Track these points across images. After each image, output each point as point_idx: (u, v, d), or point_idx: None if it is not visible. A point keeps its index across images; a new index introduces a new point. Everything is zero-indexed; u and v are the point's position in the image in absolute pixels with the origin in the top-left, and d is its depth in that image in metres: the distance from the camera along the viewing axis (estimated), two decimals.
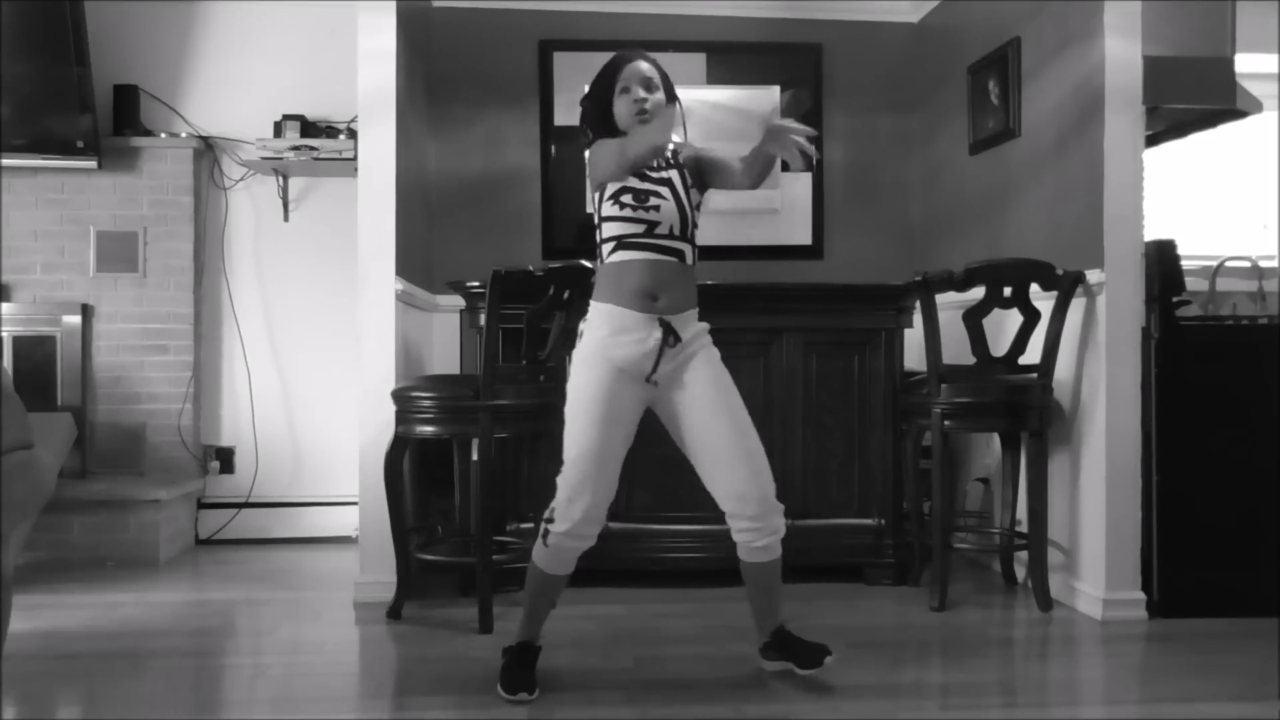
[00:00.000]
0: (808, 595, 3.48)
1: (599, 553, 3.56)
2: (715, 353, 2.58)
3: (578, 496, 2.46)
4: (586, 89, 2.62)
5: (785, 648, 2.66)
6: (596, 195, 2.55)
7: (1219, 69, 3.42)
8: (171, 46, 4.54)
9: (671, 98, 2.56)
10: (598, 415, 2.44)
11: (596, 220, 2.56)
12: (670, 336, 2.47)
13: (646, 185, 2.50)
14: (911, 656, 2.97)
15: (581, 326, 2.54)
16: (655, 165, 2.54)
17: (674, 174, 2.56)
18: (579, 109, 2.65)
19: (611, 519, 3.53)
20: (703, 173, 2.62)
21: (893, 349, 3.71)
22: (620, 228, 2.50)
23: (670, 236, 2.50)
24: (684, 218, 2.52)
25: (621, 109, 2.53)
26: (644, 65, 2.54)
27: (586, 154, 2.60)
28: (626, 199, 2.48)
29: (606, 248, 2.53)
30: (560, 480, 2.48)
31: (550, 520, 2.50)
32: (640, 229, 2.48)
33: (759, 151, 2.40)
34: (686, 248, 2.53)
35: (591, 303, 2.54)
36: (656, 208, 2.48)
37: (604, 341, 2.47)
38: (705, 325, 2.59)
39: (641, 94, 2.51)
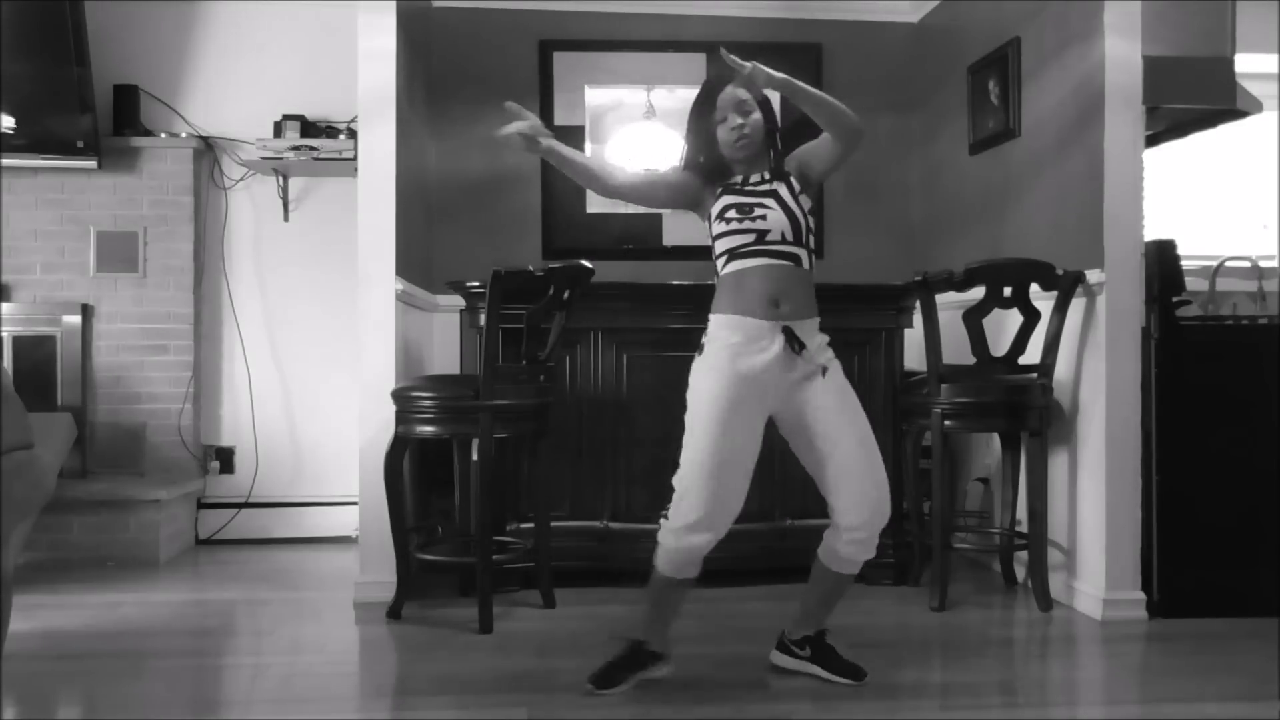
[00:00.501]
0: None
1: (599, 552, 3.56)
2: (839, 366, 2.56)
3: (690, 499, 2.43)
4: (689, 121, 2.60)
5: (821, 653, 2.66)
6: (707, 222, 2.58)
7: (1219, 69, 3.42)
8: (171, 46, 4.54)
9: (769, 114, 2.56)
10: (718, 422, 2.42)
11: (711, 243, 2.57)
12: (795, 344, 2.46)
13: (750, 200, 2.51)
14: (911, 656, 2.97)
15: (703, 340, 2.52)
16: (756, 180, 2.55)
17: (780, 185, 2.55)
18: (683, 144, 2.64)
19: (611, 519, 3.57)
20: (805, 170, 2.60)
21: (893, 349, 3.72)
22: (731, 240, 2.50)
23: (783, 242, 2.49)
24: (795, 224, 2.50)
25: (723, 137, 2.53)
26: (735, 90, 2.52)
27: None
28: (731, 214, 2.50)
29: (720, 262, 2.52)
30: (675, 481, 2.47)
31: (665, 516, 2.49)
32: (750, 238, 2.48)
33: (805, 106, 2.47)
34: (802, 253, 2.51)
35: (711, 316, 2.53)
36: (763, 217, 2.48)
37: (728, 350, 2.45)
38: (826, 337, 2.56)
39: (738, 120, 2.51)
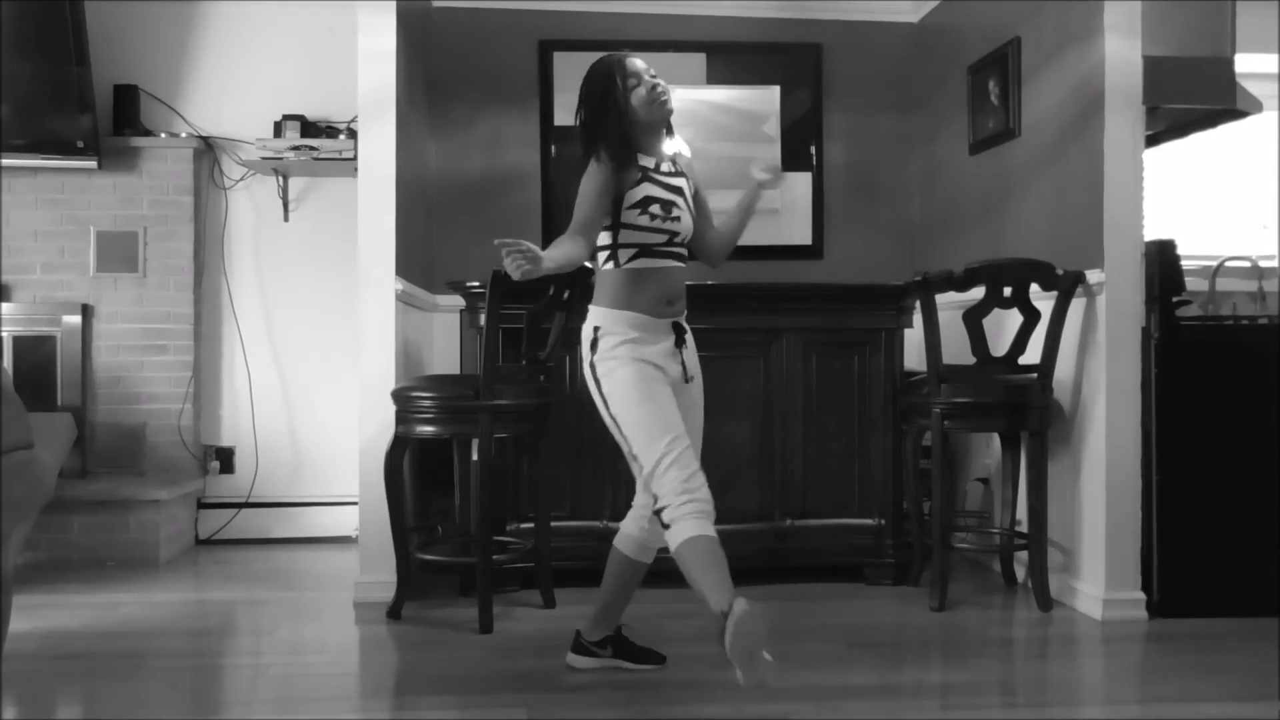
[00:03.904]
0: (808, 595, 3.49)
1: (599, 553, 3.55)
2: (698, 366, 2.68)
3: (672, 468, 2.36)
4: (581, 104, 2.56)
5: (621, 647, 2.74)
6: (616, 205, 2.50)
7: (1219, 69, 3.42)
8: (171, 46, 4.54)
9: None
10: (648, 396, 2.43)
11: (610, 223, 2.50)
12: (680, 337, 2.57)
13: (669, 195, 2.54)
14: (911, 656, 2.97)
15: (592, 335, 2.51)
16: (668, 170, 2.58)
17: (684, 182, 2.60)
18: (579, 122, 2.58)
19: (611, 519, 3.57)
20: (696, 198, 2.69)
21: (893, 349, 3.72)
22: (646, 236, 2.51)
23: (682, 245, 2.60)
24: (689, 227, 2.61)
25: (642, 98, 2.52)
26: (632, 60, 2.56)
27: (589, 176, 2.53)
28: (655, 209, 2.50)
29: (625, 253, 2.51)
30: (651, 473, 2.39)
31: (663, 509, 2.37)
32: (663, 239, 2.53)
33: (745, 205, 2.70)
34: (685, 253, 2.64)
35: (597, 309, 2.53)
36: (678, 219, 2.54)
37: (629, 344, 2.48)
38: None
39: (653, 81, 2.54)
